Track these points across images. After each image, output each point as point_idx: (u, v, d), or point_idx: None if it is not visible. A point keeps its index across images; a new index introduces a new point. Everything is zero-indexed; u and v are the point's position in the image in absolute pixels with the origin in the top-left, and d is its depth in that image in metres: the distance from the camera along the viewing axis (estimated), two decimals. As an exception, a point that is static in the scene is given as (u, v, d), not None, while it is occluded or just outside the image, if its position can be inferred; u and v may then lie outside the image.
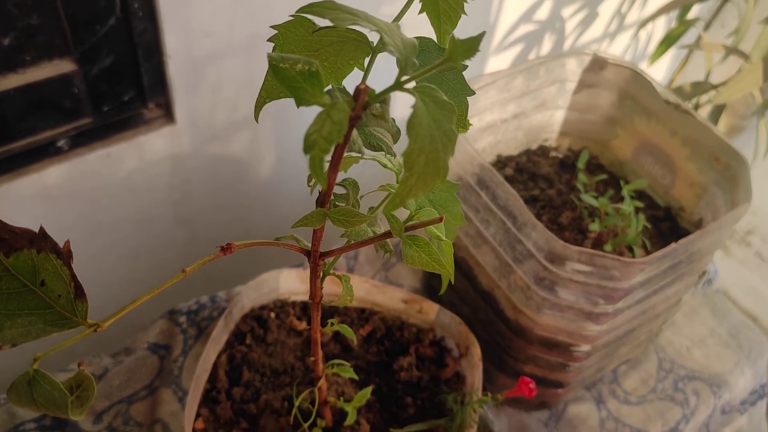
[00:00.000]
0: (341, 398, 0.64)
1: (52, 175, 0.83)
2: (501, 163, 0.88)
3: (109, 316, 0.33)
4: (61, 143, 0.83)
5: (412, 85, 0.31)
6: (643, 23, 1.21)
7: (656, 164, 0.84)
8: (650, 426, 0.86)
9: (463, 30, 0.34)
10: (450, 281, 0.44)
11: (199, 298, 0.88)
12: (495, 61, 1.20)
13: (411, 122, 0.29)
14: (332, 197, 0.41)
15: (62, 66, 0.77)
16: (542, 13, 1.17)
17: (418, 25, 0.50)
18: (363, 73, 0.40)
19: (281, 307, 0.76)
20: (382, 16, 0.52)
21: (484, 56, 1.19)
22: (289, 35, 0.39)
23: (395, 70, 0.32)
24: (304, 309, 0.76)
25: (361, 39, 0.39)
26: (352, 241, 0.43)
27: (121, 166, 0.89)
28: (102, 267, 0.97)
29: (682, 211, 0.83)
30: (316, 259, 0.43)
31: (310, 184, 0.40)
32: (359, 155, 0.51)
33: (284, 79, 0.29)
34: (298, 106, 0.29)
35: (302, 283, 0.76)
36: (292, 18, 0.38)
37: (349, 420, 0.62)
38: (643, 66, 1.46)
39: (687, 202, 0.82)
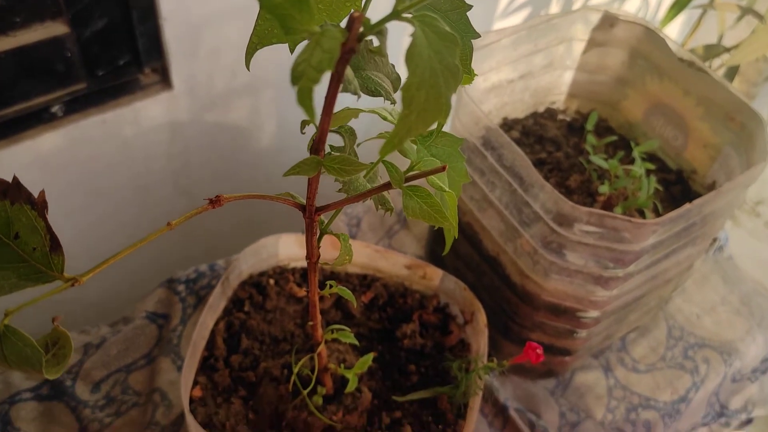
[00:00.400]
0: (342, 365, 0.62)
1: (47, 141, 0.81)
2: (507, 126, 0.85)
3: (87, 270, 0.31)
4: (55, 109, 0.82)
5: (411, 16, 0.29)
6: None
7: (668, 125, 0.81)
8: (659, 394, 0.84)
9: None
10: (454, 237, 0.42)
11: (198, 266, 0.86)
12: (502, 25, 1.17)
13: (409, 53, 0.27)
14: (330, 149, 0.39)
15: (54, 28, 0.75)
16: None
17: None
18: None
19: (281, 273, 0.74)
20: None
21: (489, 21, 1.16)
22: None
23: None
24: (304, 276, 0.75)
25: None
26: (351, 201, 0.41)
27: (117, 133, 0.87)
28: (101, 235, 0.96)
29: (695, 174, 0.80)
30: (311, 214, 0.41)
31: (303, 131, 0.38)
32: (358, 109, 0.48)
33: (270, 7, 0.26)
34: (286, 38, 0.27)
35: (302, 249, 0.74)
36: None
37: (350, 387, 0.60)
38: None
39: (700, 165, 0.79)
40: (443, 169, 0.35)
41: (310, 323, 0.54)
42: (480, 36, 0.40)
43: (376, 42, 0.35)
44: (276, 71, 0.95)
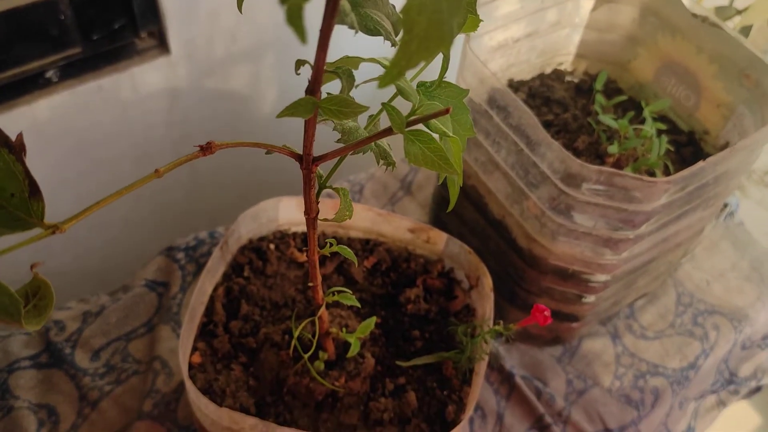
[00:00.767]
0: (344, 330, 0.61)
1: (43, 108, 0.80)
2: (513, 87, 0.83)
3: (69, 217, 0.30)
4: (49, 74, 0.80)
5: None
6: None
7: (680, 85, 0.78)
8: (668, 361, 0.83)
9: None
10: (460, 186, 0.40)
11: (198, 233, 0.85)
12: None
13: (409, -28, 0.25)
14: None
15: (47, -10, 0.72)
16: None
17: None
18: None
19: (281, 238, 0.72)
20: None
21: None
22: None
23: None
24: (305, 241, 0.73)
25: None
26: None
27: (114, 100, 0.85)
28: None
29: (707, 134, 0.78)
30: (309, 164, 0.39)
31: (298, 72, 0.36)
32: (357, 57, 0.46)
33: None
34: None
35: (303, 211, 0.72)
36: None
37: (352, 351, 0.58)
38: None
39: (712, 125, 0.77)
40: (447, 111, 0.33)
41: (311, 284, 0.52)
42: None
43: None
44: (276, 37, 0.92)
